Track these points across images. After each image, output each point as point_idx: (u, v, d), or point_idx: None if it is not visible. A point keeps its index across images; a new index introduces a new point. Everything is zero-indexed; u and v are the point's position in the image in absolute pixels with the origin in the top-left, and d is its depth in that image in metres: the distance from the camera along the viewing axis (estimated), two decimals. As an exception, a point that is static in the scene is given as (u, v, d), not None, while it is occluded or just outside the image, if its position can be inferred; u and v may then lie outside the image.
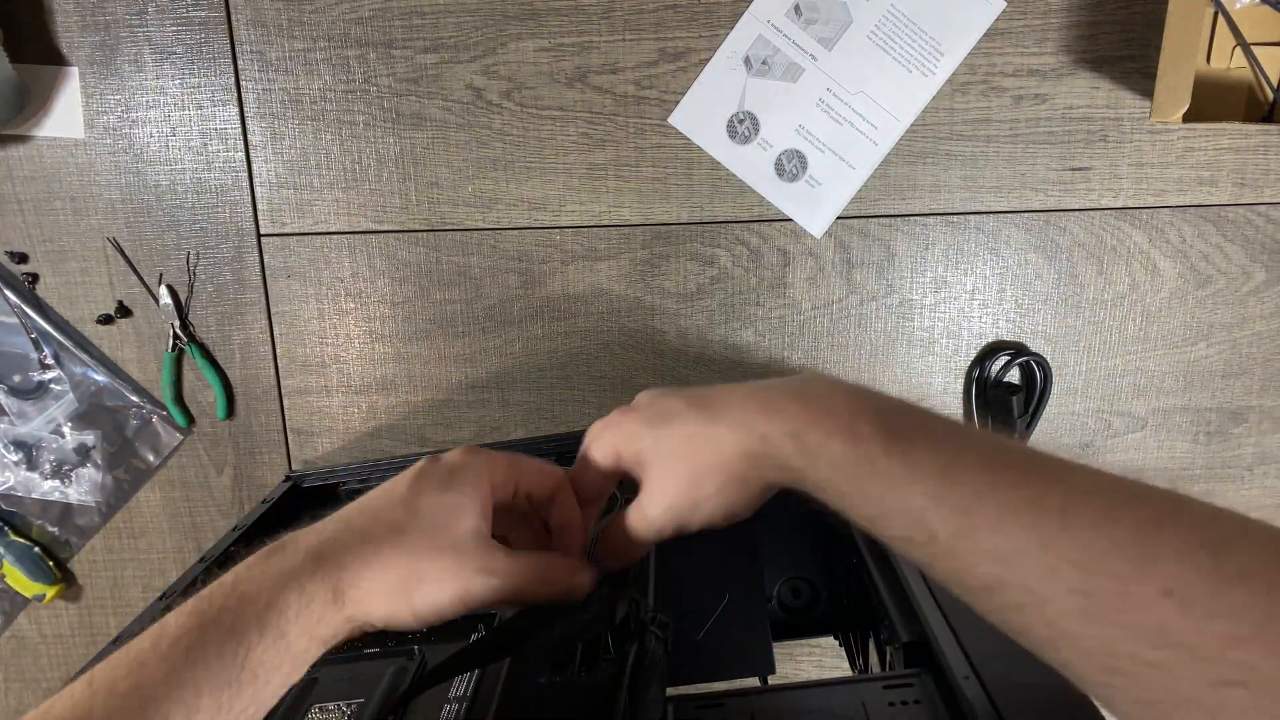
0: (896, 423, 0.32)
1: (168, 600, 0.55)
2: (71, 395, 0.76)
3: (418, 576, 0.32)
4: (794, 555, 0.63)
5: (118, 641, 0.47)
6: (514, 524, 0.40)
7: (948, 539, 0.28)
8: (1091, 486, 0.27)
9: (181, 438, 0.78)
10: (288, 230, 0.73)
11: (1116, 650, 0.24)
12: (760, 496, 0.36)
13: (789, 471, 0.34)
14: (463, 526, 0.34)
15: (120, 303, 0.75)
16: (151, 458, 0.78)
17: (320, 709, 0.41)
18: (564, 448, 0.68)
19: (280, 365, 0.76)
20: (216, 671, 0.27)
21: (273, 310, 0.75)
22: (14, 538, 0.78)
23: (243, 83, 0.71)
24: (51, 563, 0.79)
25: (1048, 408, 0.76)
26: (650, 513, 0.37)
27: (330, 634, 0.31)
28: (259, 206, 0.73)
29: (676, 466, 0.36)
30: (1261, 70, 0.64)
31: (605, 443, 0.39)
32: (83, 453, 0.78)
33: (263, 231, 0.74)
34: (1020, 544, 0.27)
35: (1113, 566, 0.25)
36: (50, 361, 0.76)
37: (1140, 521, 0.25)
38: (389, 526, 0.33)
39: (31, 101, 0.70)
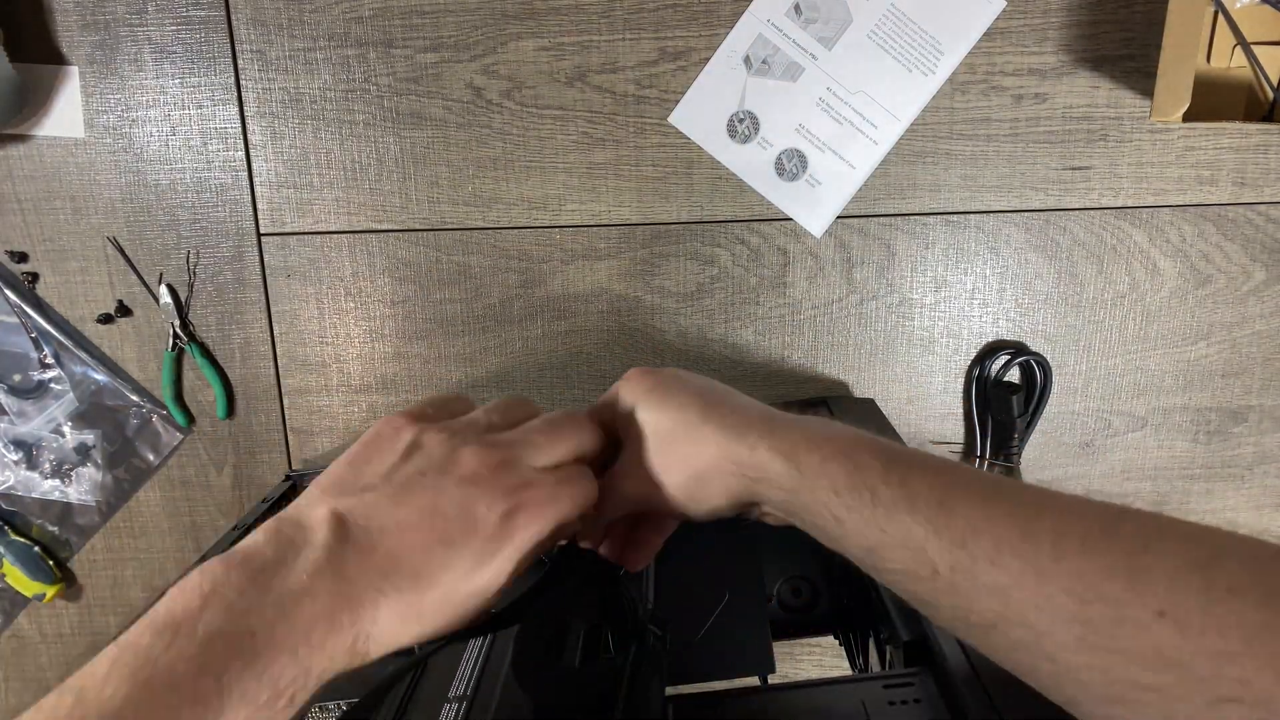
0: (894, 452, 0.32)
1: None
2: (71, 395, 0.76)
3: (425, 616, 0.32)
4: (794, 554, 0.62)
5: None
6: None
7: (947, 574, 0.28)
8: (1080, 511, 0.27)
9: (181, 437, 0.78)
10: (288, 229, 0.73)
11: (1115, 678, 0.24)
12: (722, 504, 0.36)
13: (776, 491, 0.34)
14: (484, 586, 0.32)
15: (120, 302, 0.75)
16: (151, 457, 0.78)
17: (320, 708, 0.41)
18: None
19: (280, 364, 0.76)
20: None
21: (273, 309, 0.75)
22: (14, 537, 0.78)
23: (243, 82, 0.71)
24: (51, 562, 0.79)
25: (1048, 407, 0.76)
26: (619, 484, 0.38)
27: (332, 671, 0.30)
28: (259, 206, 0.73)
29: (653, 446, 0.37)
30: (1261, 70, 0.64)
31: (616, 395, 0.39)
32: (83, 452, 0.78)
33: (263, 231, 0.73)
34: (1016, 576, 0.26)
35: (1107, 591, 0.24)
36: (50, 361, 0.76)
37: (1129, 544, 0.25)
38: (415, 570, 0.31)
39: (31, 101, 0.70)
